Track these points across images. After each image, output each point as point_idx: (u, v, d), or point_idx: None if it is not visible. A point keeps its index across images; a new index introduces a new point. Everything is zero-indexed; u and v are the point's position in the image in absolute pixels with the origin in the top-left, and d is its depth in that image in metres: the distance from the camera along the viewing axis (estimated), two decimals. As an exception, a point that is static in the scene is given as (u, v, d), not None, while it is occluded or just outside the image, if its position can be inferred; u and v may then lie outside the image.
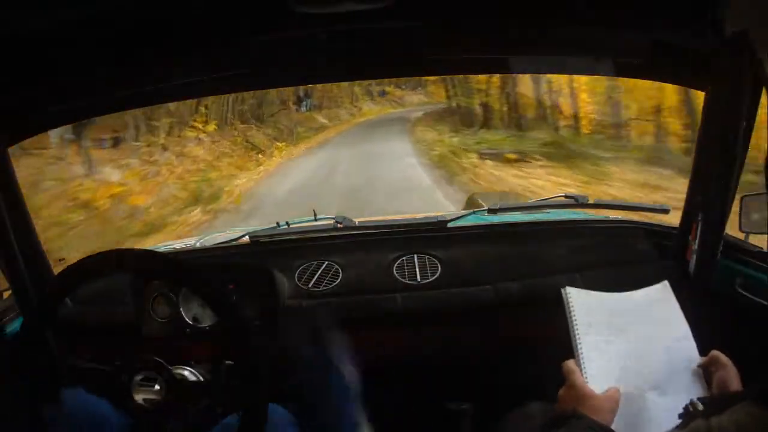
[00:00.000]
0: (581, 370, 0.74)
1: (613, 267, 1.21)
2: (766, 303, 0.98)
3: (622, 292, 0.87)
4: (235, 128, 11.07)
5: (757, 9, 0.37)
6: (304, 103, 14.24)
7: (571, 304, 0.82)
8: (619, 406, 0.71)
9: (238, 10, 0.84)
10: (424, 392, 1.31)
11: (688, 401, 0.67)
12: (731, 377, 0.72)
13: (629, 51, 0.99)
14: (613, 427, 0.68)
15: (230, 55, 1.00)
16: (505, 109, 11.29)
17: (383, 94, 18.45)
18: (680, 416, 0.64)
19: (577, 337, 0.78)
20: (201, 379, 0.86)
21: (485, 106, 11.69)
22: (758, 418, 0.50)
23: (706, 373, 0.75)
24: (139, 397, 0.81)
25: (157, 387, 0.81)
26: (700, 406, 0.63)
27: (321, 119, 14.92)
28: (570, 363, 0.75)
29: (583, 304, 0.82)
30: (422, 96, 18.07)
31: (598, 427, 0.65)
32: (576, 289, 0.85)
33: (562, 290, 0.84)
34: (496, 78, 10.69)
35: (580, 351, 0.77)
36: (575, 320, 0.80)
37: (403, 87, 18.51)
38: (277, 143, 11.70)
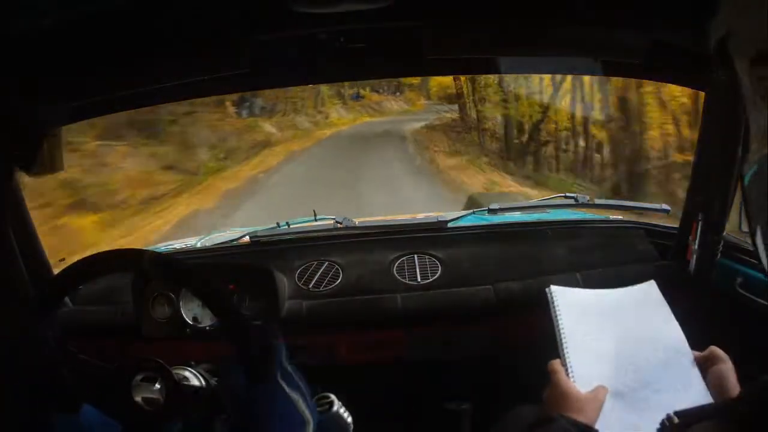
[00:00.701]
0: (567, 370, 0.73)
1: (613, 267, 1.21)
2: (766, 303, 0.98)
3: (607, 290, 0.86)
4: (80, 150, 5.29)
5: (750, 9, 0.37)
6: (246, 105, 9.89)
7: (555, 304, 0.81)
8: (612, 405, 0.70)
9: (238, 9, 0.84)
10: (424, 392, 1.31)
11: (686, 398, 0.66)
12: (728, 371, 0.71)
13: (629, 51, 0.99)
14: (609, 425, 0.68)
15: (230, 55, 1.00)
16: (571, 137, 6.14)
17: (357, 97, 14.01)
18: (657, 430, 0.64)
19: (562, 336, 0.77)
20: (201, 380, 0.86)
21: (521, 128, 6.94)
22: None
23: (702, 368, 0.75)
24: (138, 398, 0.80)
25: (157, 387, 0.80)
26: (676, 420, 0.62)
27: (268, 128, 10.21)
28: (554, 363, 0.74)
29: (568, 303, 0.81)
30: (402, 102, 14.55)
31: (577, 425, 0.64)
32: (561, 287, 0.84)
33: (547, 290, 0.84)
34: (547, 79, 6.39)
35: (565, 350, 0.76)
36: (560, 319, 0.79)
37: (381, 91, 14.55)
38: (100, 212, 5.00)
